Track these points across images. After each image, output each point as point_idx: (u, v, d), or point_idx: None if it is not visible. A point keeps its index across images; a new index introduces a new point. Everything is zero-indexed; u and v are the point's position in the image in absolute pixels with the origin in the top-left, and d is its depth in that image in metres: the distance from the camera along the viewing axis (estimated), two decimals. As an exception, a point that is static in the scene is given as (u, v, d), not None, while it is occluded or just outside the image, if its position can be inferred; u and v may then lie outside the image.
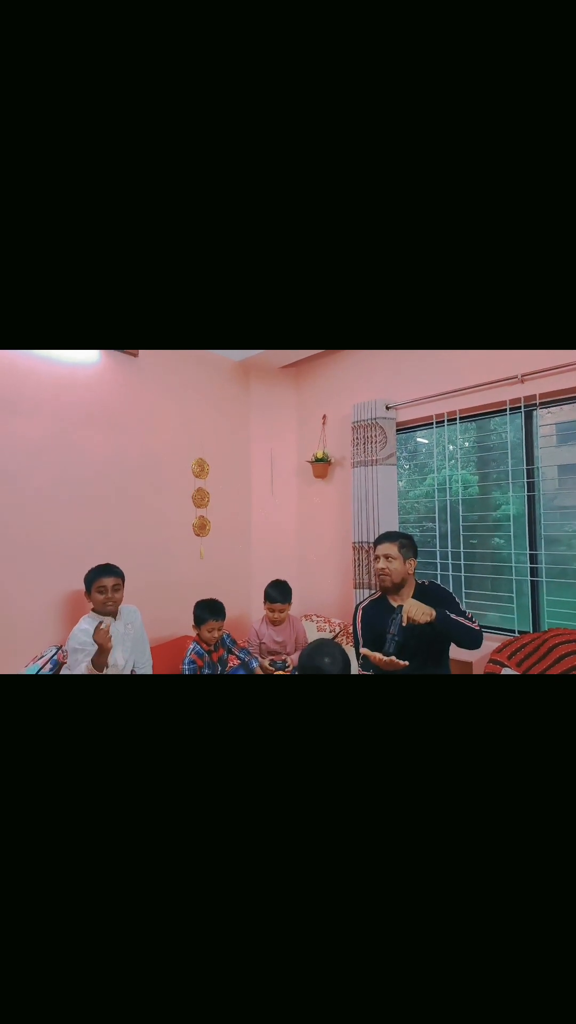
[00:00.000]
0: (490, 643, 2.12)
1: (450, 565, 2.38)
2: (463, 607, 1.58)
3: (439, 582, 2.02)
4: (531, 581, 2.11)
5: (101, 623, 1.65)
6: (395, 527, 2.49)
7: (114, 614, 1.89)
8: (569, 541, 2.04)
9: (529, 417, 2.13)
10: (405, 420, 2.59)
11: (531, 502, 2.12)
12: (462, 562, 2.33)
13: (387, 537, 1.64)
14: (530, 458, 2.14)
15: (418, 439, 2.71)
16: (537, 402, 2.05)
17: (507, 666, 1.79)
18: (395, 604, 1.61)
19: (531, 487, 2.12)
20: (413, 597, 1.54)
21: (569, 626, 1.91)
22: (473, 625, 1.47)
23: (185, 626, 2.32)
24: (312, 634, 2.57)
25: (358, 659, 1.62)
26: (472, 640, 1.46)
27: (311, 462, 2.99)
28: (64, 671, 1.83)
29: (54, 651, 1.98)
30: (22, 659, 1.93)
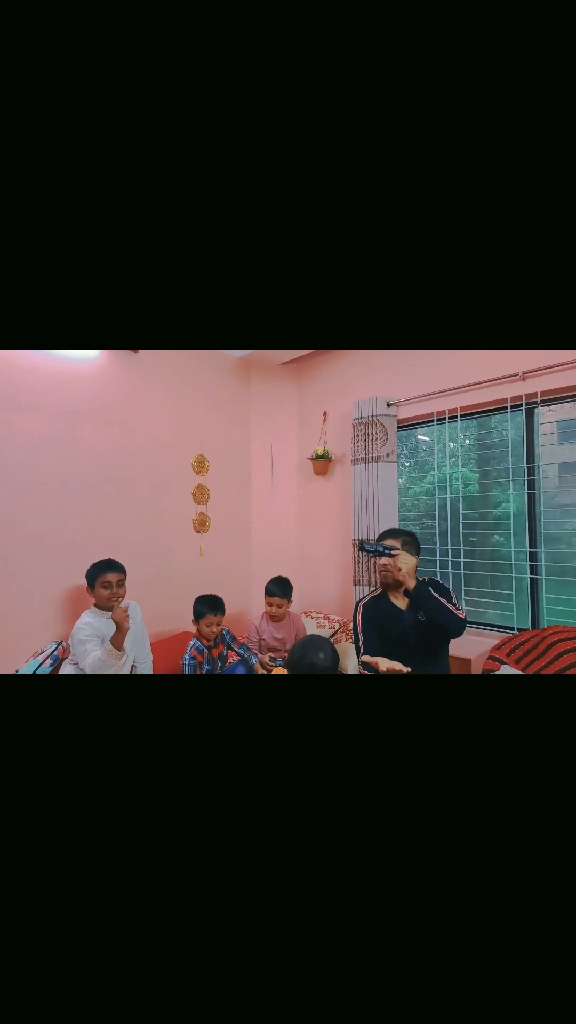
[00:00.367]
0: (489, 640, 2.13)
1: (450, 563, 2.38)
2: (457, 601, 1.58)
3: (439, 579, 2.03)
4: (531, 579, 2.12)
5: (122, 604, 1.66)
6: (395, 524, 2.49)
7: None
8: (569, 539, 2.05)
9: (530, 415, 2.14)
10: (406, 417, 2.59)
11: (531, 500, 2.13)
12: (462, 559, 2.34)
13: (390, 534, 1.64)
14: (531, 456, 2.14)
15: (419, 436, 2.71)
16: (538, 400, 2.05)
17: (506, 663, 1.80)
18: (396, 601, 1.61)
19: (531, 485, 2.13)
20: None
21: (568, 624, 1.92)
22: (458, 612, 1.48)
23: (185, 622, 2.32)
24: (312, 631, 2.58)
25: (358, 656, 1.62)
26: (454, 624, 1.47)
27: (311, 459, 2.98)
28: (68, 665, 1.83)
29: (54, 647, 1.98)
30: (22, 654, 1.93)
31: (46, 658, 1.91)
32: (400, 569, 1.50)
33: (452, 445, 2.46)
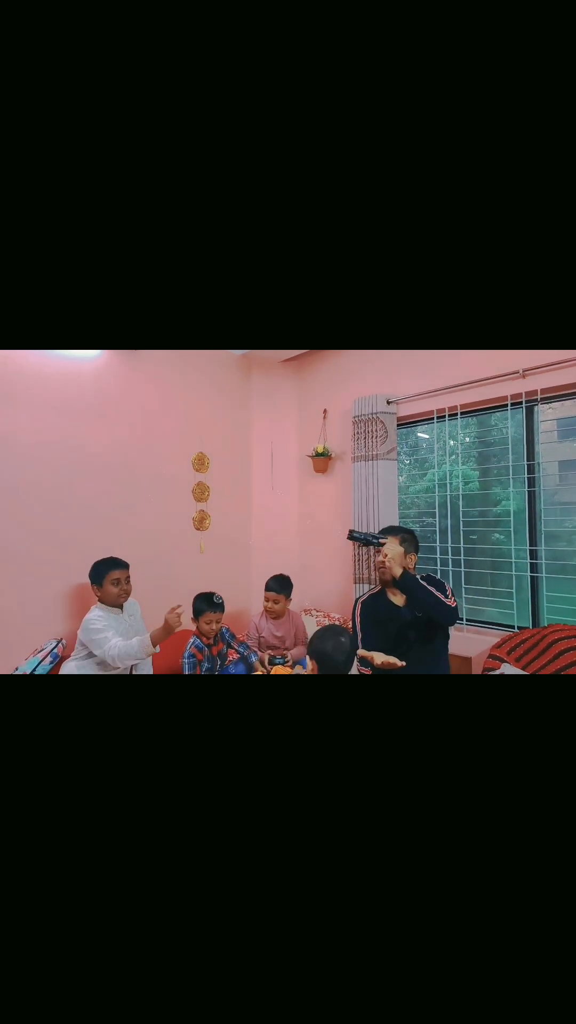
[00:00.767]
0: (489, 638, 2.13)
1: (450, 560, 2.38)
2: (452, 595, 1.57)
3: (435, 575, 2.02)
4: (531, 577, 2.11)
5: (177, 606, 1.63)
6: (395, 522, 2.49)
7: (121, 607, 1.89)
8: (569, 537, 2.04)
9: (530, 412, 2.13)
10: (406, 415, 2.58)
11: (531, 498, 2.12)
12: (462, 557, 2.33)
13: (390, 531, 1.64)
14: (531, 454, 2.13)
15: (419, 434, 2.70)
16: (538, 397, 2.04)
17: (506, 662, 1.80)
18: (394, 599, 1.61)
19: (531, 483, 2.12)
20: None
21: (569, 622, 1.91)
22: (447, 600, 1.46)
23: (184, 619, 2.32)
24: (311, 629, 2.57)
25: (355, 653, 1.62)
26: (442, 612, 1.45)
27: (311, 456, 2.98)
28: (70, 663, 1.81)
29: (54, 644, 1.98)
30: (21, 652, 1.93)
31: (45, 656, 1.91)
32: (386, 555, 1.50)
33: (452, 443, 2.46)
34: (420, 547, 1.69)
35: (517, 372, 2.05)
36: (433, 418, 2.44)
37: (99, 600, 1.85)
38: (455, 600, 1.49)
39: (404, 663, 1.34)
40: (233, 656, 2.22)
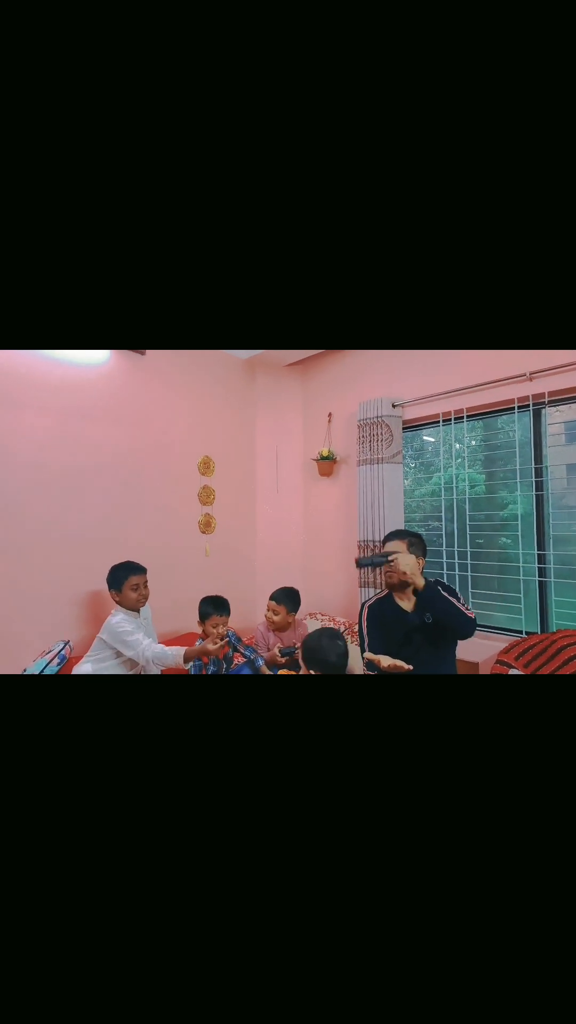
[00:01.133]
0: (497, 644, 2.11)
1: (456, 564, 2.37)
2: (464, 603, 1.57)
3: (445, 581, 2.01)
4: (539, 581, 2.10)
5: (224, 639, 1.72)
6: (401, 526, 2.48)
7: (139, 611, 1.90)
8: (577, 541, 2.03)
9: (537, 415, 2.12)
10: (411, 418, 2.57)
11: (539, 501, 2.11)
12: (468, 561, 2.32)
13: (396, 535, 1.63)
14: (538, 457, 2.12)
15: (424, 437, 2.70)
16: (546, 400, 2.03)
17: (514, 667, 1.78)
18: (401, 603, 1.60)
19: (539, 486, 2.11)
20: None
21: (577, 626, 1.90)
22: (467, 612, 1.46)
23: (191, 623, 2.32)
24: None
25: (362, 656, 1.61)
26: (464, 624, 1.44)
27: (316, 460, 2.98)
28: (94, 658, 1.81)
29: (62, 646, 1.99)
30: (29, 653, 1.94)
31: (53, 657, 1.92)
32: (405, 572, 1.48)
33: (458, 446, 2.45)
34: (427, 551, 1.68)
35: (524, 375, 2.04)
36: (439, 421, 2.43)
37: (117, 604, 1.85)
38: (472, 611, 1.49)
39: (411, 667, 1.33)
40: (239, 660, 2.21)
